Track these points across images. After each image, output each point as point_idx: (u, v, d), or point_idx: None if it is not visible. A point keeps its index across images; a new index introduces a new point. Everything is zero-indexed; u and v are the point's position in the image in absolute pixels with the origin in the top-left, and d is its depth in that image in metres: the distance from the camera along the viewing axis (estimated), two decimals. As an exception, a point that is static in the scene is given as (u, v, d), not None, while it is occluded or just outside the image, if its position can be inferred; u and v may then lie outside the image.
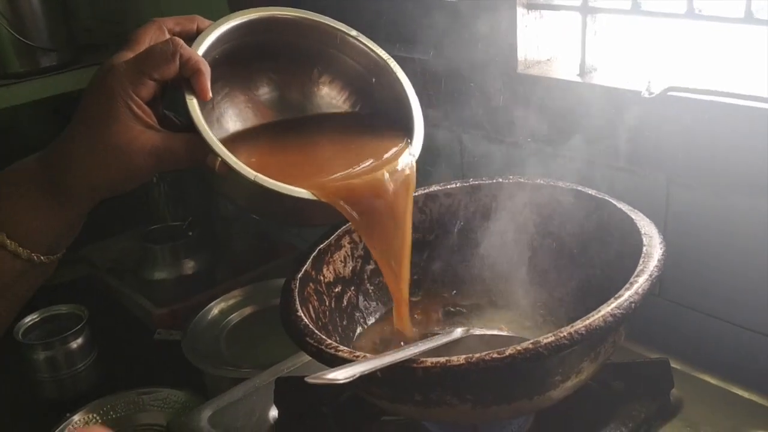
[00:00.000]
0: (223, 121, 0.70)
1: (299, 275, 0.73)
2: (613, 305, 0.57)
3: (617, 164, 0.86)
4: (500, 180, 0.83)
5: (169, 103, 0.64)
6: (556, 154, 0.90)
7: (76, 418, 1.10)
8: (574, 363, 0.59)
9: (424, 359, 0.56)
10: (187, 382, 1.13)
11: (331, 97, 0.75)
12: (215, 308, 1.22)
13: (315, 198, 0.61)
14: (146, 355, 1.24)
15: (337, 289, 0.79)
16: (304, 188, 0.61)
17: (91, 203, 0.63)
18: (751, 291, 0.80)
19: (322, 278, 0.77)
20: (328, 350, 0.60)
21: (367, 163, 0.67)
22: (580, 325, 0.55)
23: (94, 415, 1.11)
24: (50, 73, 1.51)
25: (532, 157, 0.91)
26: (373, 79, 0.73)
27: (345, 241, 0.81)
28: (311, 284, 0.75)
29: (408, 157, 0.68)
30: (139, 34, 0.61)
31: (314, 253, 0.77)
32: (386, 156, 0.68)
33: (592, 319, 0.56)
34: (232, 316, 1.22)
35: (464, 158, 1.03)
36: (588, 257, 0.76)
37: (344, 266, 0.81)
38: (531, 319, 0.76)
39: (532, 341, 0.55)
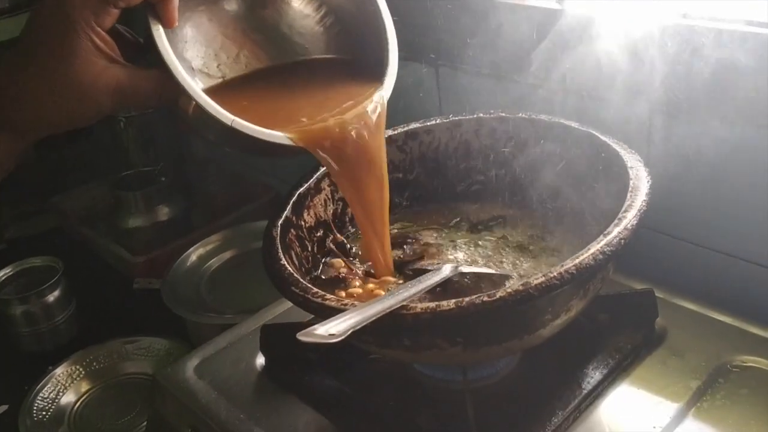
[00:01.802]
0: (189, 48, 0.65)
1: (280, 221, 0.71)
2: (603, 242, 0.56)
3: (598, 94, 0.85)
4: (481, 115, 0.81)
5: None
6: (536, 85, 0.88)
7: (58, 371, 1.09)
8: (564, 301, 0.59)
9: (414, 305, 0.55)
10: (170, 329, 1.12)
11: (304, 16, 0.71)
12: (194, 254, 1.21)
13: (292, 143, 0.59)
14: (126, 305, 1.22)
15: (318, 234, 0.78)
16: (280, 132, 0.59)
17: (36, 137, 0.57)
18: (736, 218, 0.80)
19: (303, 223, 0.76)
20: (315, 299, 0.59)
21: (342, 107, 0.65)
22: (570, 264, 0.55)
23: (77, 367, 1.10)
24: (4, 16, 1.44)
25: (512, 90, 0.89)
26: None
27: (324, 184, 0.79)
28: (292, 230, 0.73)
29: (378, 96, 0.65)
30: None
31: (294, 198, 0.75)
32: (361, 99, 0.65)
33: (582, 258, 0.55)
34: (211, 262, 1.20)
35: (441, 93, 1.01)
36: (573, 191, 0.75)
37: (325, 210, 0.79)
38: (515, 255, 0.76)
39: (522, 282, 0.54)
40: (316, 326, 0.48)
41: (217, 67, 0.66)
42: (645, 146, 0.83)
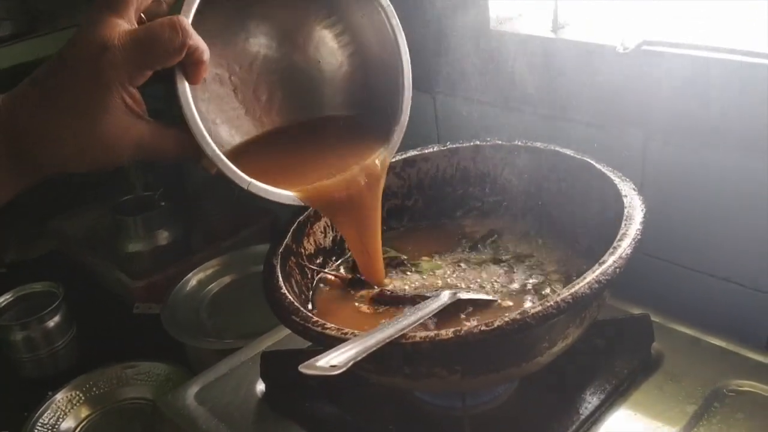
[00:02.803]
0: (212, 108, 0.68)
1: (280, 249, 0.72)
2: (598, 272, 0.57)
3: (593, 121, 0.86)
4: (478, 143, 0.83)
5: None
6: (532, 113, 0.90)
7: (58, 396, 1.09)
8: (560, 329, 0.59)
9: (413, 334, 0.56)
10: (170, 354, 1.12)
11: (330, 51, 0.72)
12: (193, 279, 1.21)
13: (301, 203, 0.66)
14: (126, 330, 1.23)
15: (318, 261, 0.78)
16: (290, 191, 0.64)
17: (47, 175, 0.57)
18: (728, 244, 0.81)
19: (302, 251, 0.76)
20: (315, 328, 0.59)
21: (348, 165, 0.68)
22: (566, 293, 0.56)
23: (77, 393, 1.10)
24: (5, 43, 1.45)
25: (509, 118, 0.90)
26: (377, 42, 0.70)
27: (324, 212, 0.80)
28: (292, 258, 0.74)
29: (382, 155, 0.69)
30: None
31: (294, 226, 0.76)
32: (368, 155, 0.69)
33: (577, 287, 0.56)
34: (211, 286, 1.21)
35: (439, 121, 1.02)
36: (568, 219, 0.76)
37: (324, 237, 0.80)
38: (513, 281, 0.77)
39: (519, 312, 0.55)
40: (317, 358, 0.49)
41: (237, 126, 0.68)
42: (639, 171, 0.85)
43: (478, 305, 0.68)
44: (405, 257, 0.78)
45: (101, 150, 0.54)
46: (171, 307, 1.14)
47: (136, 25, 0.55)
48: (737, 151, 0.77)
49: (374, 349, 0.52)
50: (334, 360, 0.49)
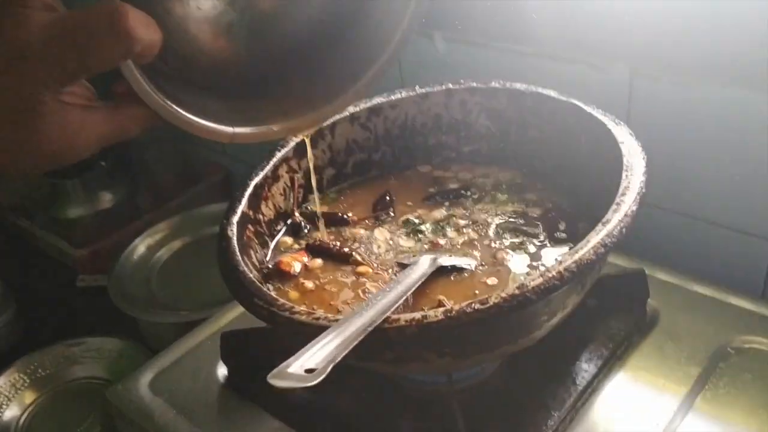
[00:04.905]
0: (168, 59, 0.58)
1: (235, 218, 0.63)
2: (603, 233, 0.50)
3: (574, 57, 0.78)
4: (450, 86, 0.74)
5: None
6: (506, 49, 0.81)
7: (0, 381, 1.00)
8: (561, 299, 0.53)
9: (397, 317, 0.48)
10: (121, 328, 1.04)
11: None
12: (141, 245, 1.12)
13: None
14: (71, 304, 1.13)
15: (279, 227, 0.70)
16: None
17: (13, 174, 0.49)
18: (720, 186, 0.75)
19: (261, 217, 0.68)
20: (282, 313, 0.51)
21: None
22: (569, 261, 0.49)
23: (21, 375, 1.01)
24: None
25: (481, 56, 0.82)
26: None
27: (282, 171, 0.71)
28: (250, 226, 0.66)
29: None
30: None
31: (249, 190, 0.67)
32: None
33: (581, 253, 0.49)
34: (161, 252, 1.12)
35: (402, 62, 0.93)
36: (554, 169, 0.69)
37: (284, 199, 0.71)
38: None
39: (518, 285, 0.48)
40: (288, 362, 0.41)
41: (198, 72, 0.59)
42: (625, 111, 0.78)
43: (458, 269, 0.61)
44: (348, 213, 0.70)
45: (58, 153, 0.45)
46: (118, 278, 1.05)
47: (63, 8, 0.44)
48: (733, 86, 0.70)
49: (355, 342, 0.44)
50: (310, 362, 0.41)
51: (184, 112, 0.50)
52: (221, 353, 0.70)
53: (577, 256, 0.49)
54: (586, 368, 0.64)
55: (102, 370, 1.02)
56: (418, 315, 0.48)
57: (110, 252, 1.13)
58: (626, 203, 0.53)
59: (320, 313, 0.50)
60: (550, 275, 0.48)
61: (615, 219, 0.51)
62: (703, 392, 0.62)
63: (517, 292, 0.47)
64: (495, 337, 0.52)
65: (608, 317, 0.69)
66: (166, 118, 0.49)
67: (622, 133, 0.60)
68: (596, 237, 0.50)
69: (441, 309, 0.48)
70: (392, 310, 0.49)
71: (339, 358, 0.41)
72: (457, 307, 0.47)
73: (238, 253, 0.59)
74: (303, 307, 0.51)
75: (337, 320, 0.49)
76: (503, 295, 0.47)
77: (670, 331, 0.68)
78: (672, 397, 0.61)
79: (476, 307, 0.47)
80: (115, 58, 0.43)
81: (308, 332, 0.50)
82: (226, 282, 0.57)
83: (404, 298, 0.52)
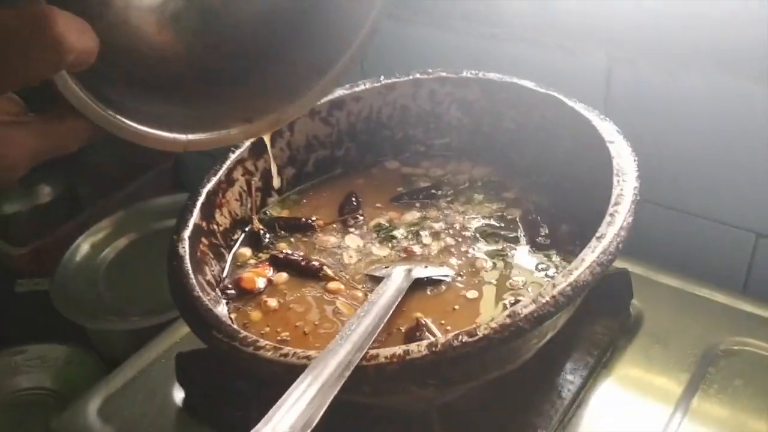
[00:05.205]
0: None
1: (187, 232, 0.57)
2: (599, 251, 0.46)
3: (549, 41, 0.73)
4: (418, 76, 0.68)
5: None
6: (477, 33, 0.76)
7: (-65, 397, 0.93)
8: (554, 322, 0.48)
9: (375, 352, 0.43)
10: (67, 333, 0.97)
11: None
12: (85, 243, 1.05)
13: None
14: (10, 308, 1.05)
15: (236, 236, 0.64)
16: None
17: None
18: (704, 177, 0.72)
19: (216, 227, 0.62)
20: (245, 349, 0.46)
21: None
22: (563, 284, 0.44)
23: (-42, 390, 0.94)
24: None
25: (450, 41, 0.76)
26: None
27: (238, 174, 0.65)
28: (204, 239, 0.60)
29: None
30: None
31: (201, 198, 0.60)
32: None
33: (576, 274, 0.45)
34: (106, 251, 1.05)
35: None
36: (532, 165, 0.65)
37: (241, 205, 0.65)
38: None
39: (509, 313, 0.43)
40: (258, 428, 0.36)
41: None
42: (602, 98, 0.73)
43: (435, 281, 0.57)
44: (312, 218, 0.65)
45: None
46: (61, 281, 0.98)
47: None
48: (714, 72, 0.66)
49: (334, 391, 0.39)
50: (283, 424, 0.36)
51: (129, 122, 0.44)
52: (177, 376, 0.64)
53: (572, 278, 0.44)
54: (571, 379, 0.61)
55: (48, 380, 0.96)
56: (399, 350, 0.43)
57: (52, 250, 1.06)
58: (620, 214, 0.48)
59: (288, 349, 0.45)
60: (544, 301, 0.43)
61: (610, 233, 0.47)
62: (694, 400, 0.59)
63: (508, 321, 0.43)
64: (482, 367, 0.48)
65: (591, 322, 0.65)
66: (108, 129, 0.43)
67: (609, 131, 0.56)
68: (591, 255, 0.45)
69: (424, 343, 0.43)
70: (370, 344, 0.44)
71: (316, 420, 0.36)
72: (442, 341, 0.42)
73: (192, 276, 0.53)
74: (268, 343, 0.46)
75: (308, 357, 0.44)
76: (493, 325, 0.43)
77: (656, 334, 0.65)
78: (662, 408, 0.58)
79: (464, 340, 0.42)
80: (43, 73, 0.37)
81: (275, 371, 0.45)
82: (180, 310, 0.51)
83: (381, 326, 0.47)
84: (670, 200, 0.75)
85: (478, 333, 0.42)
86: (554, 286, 0.44)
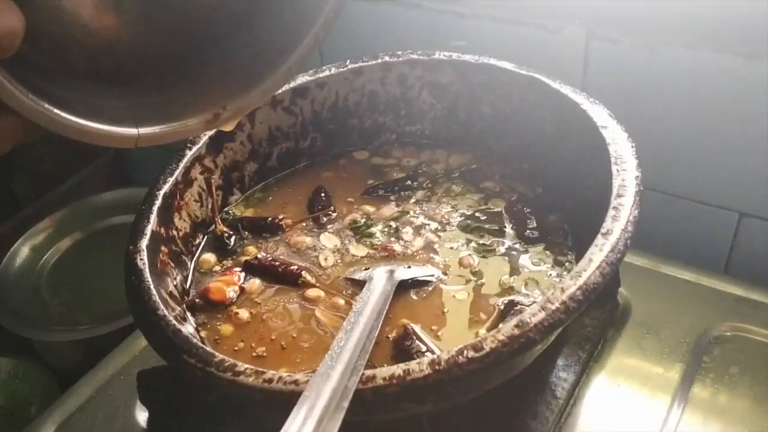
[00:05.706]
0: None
1: (144, 242, 0.52)
2: (607, 249, 0.42)
3: (523, 18, 0.69)
4: (386, 59, 0.64)
5: None
6: (444, 10, 0.71)
7: None
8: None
9: (372, 373, 0.39)
10: (11, 343, 0.89)
11: None
12: (24, 246, 0.97)
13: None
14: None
15: (198, 241, 0.59)
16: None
17: None
18: (686, 157, 0.69)
19: (175, 233, 0.56)
20: (223, 375, 0.41)
21: None
22: (573, 288, 0.41)
23: None
24: None
25: (418, 19, 0.71)
26: None
27: (195, 172, 0.60)
28: (164, 247, 0.54)
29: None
30: None
31: (158, 202, 0.55)
32: None
33: (585, 276, 0.41)
34: (49, 254, 0.97)
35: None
36: (514, 150, 0.61)
37: (201, 206, 0.60)
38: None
39: (516, 322, 0.39)
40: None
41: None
42: (581, 75, 0.70)
43: (420, 282, 0.53)
44: (279, 217, 0.60)
45: None
46: (0, 291, 0.90)
47: None
48: (696, 47, 0.63)
49: (330, 425, 0.34)
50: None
51: (70, 116, 0.39)
52: (139, 395, 0.59)
53: (581, 281, 0.41)
54: (564, 377, 0.58)
55: (-8, 395, 0.88)
56: (398, 370, 0.39)
57: (-13, 256, 0.98)
58: (626, 207, 0.45)
59: (272, 373, 0.40)
60: (554, 308, 0.40)
61: (617, 229, 0.43)
62: (691, 394, 0.56)
63: (516, 332, 0.39)
64: (486, 381, 0.44)
65: (580, 314, 0.62)
66: (46, 126, 0.38)
67: (601, 115, 0.52)
68: (600, 254, 0.42)
69: (426, 361, 0.39)
70: (365, 363, 0.40)
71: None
72: (446, 357, 0.39)
73: (154, 292, 0.47)
74: (249, 367, 0.41)
75: (295, 382, 0.39)
76: (500, 337, 0.39)
77: (646, 323, 0.62)
78: (660, 401, 0.56)
79: (470, 356, 0.38)
80: None
81: (258, 398, 0.40)
82: (144, 332, 0.46)
83: (373, 340, 0.43)
84: (651, 182, 0.72)
85: (485, 347, 0.39)
86: (563, 290, 0.40)
